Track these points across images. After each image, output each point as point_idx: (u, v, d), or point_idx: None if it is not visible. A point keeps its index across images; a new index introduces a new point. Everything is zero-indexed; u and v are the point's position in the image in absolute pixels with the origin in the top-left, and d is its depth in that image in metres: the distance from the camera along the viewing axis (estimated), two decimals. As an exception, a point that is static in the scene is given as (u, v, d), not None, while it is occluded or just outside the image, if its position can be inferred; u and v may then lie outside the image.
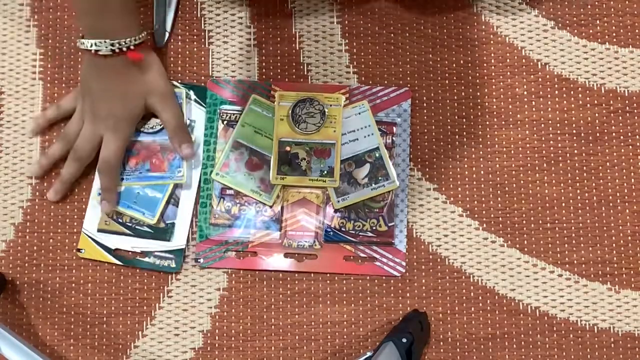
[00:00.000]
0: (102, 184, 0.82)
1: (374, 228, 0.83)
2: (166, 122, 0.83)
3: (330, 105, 0.84)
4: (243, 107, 0.84)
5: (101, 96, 0.81)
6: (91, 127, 0.81)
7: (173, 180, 0.83)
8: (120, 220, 0.83)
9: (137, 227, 0.83)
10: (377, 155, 0.83)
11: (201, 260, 0.83)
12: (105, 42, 0.77)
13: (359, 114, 0.84)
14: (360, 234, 0.83)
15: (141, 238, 0.83)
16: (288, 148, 0.83)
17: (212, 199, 0.83)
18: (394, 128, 0.84)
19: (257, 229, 0.83)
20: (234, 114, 0.85)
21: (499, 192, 0.84)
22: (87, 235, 0.83)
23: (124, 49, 0.78)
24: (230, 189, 0.83)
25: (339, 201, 0.83)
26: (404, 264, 0.83)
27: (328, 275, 0.83)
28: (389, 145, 0.84)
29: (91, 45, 0.77)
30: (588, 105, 0.86)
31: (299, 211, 0.83)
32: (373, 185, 0.83)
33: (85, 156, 0.82)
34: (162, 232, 0.83)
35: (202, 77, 0.86)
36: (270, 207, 0.83)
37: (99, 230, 0.83)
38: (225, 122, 0.84)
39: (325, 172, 0.83)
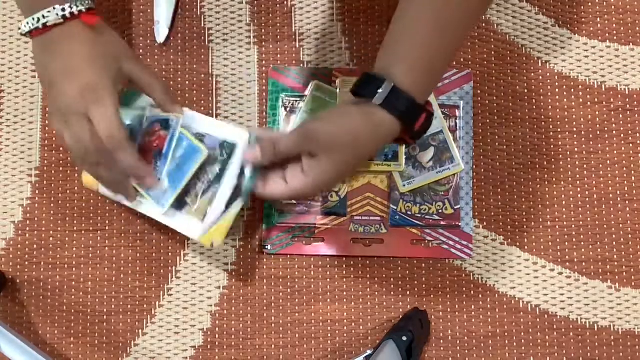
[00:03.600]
0: (123, 165, 0.70)
1: (440, 211, 0.83)
2: (151, 85, 0.72)
3: None
4: (304, 93, 0.84)
5: (65, 75, 0.69)
6: (73, 117, 0.68)
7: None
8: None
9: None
10: (441, 138, 0.84)
11: (269, 247, 0.83)
12: (54, 8, 0.68)
13: None
14: (426, 217, 0.83)
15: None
16: None
17: None
18: (457, 111, 0.84)
19: (323, 214, 0.83)
20: (296, 100, 0.84)
21: (499, 190, 0.84)
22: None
23: (76, 12, 0.69)
24: None
25: (404, 185, 0.83)
26: (471, 246, 0.83)
27: (328, 273, 0.83)
28: (452, 128, 0.84)
29: (38, 20, 0.68)
30: (589, 103, 0.86)
31: (364, 196, 0.84)
32: (438, 168, 0.83)
33: (96, 151, 0.69)
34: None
35: (202, 75, 0.86)
36: (336, 192, 0.83)
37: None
38: (287, 109, 0.84)
39: (390, 156, 0.83)
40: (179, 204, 0.75)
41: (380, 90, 0.65)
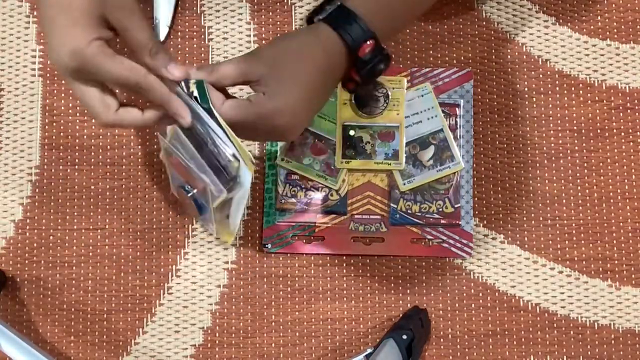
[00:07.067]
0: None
1: (440, 210, 0.83)
2: (142, 41, 0.61)
3: (393, 88, 0.84)
4: None
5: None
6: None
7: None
8: None
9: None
10: (441, 136, 0.84)
11: (269, 246, 0.83)
12: None
13: (422, 96, 0.84)
14: (426, 216, 0.83)
15: None
16: (352, 132, 0.83)
17: (278, 184, 0.83)
18: (457, 109, 0.84)
19: (324, 213, 0.83)
20: None
21: (499, 188, 0.84)
22: None
23: None
24: (296, 173, 0.83)
25: (404, 184, 0.83)
26: (471, 245, 0.83)
27: (328, 272, 0.83)
28: (452, 126, 0.84)
29: None
30: (589, 101, 0.86)
31: (364, 195, 0.84)
32: (438, 167, 0.83)
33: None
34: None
35: (202, 74, 0.86)
36: (336, 191, 0.83)
37: None
38: None
39: (390, 155, 0.83)
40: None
41: (327, 7, 0.65)
